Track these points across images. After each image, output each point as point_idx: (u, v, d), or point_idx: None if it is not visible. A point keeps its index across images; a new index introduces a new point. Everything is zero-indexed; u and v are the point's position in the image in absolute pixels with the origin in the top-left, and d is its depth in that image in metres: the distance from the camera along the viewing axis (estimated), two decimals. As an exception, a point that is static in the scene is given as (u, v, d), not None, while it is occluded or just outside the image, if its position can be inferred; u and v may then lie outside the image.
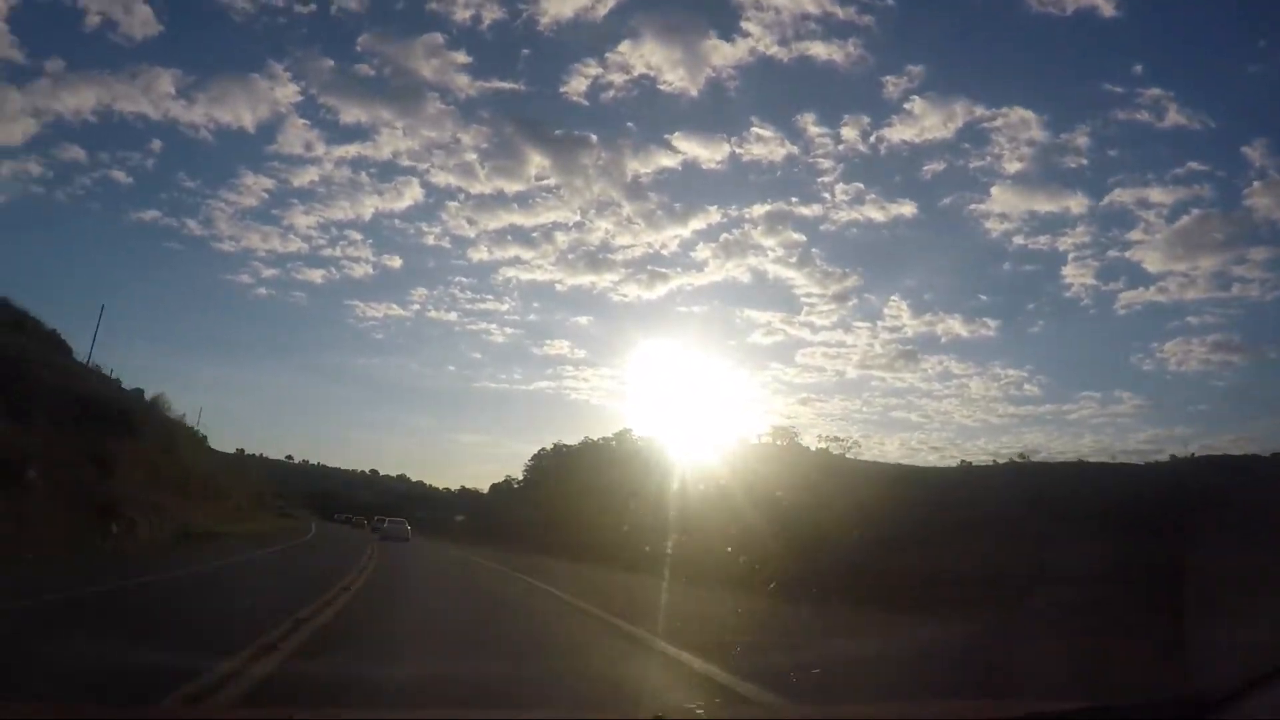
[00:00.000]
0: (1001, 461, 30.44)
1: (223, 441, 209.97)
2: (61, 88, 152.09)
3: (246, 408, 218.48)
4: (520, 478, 59.71)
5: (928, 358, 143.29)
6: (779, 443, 32.14)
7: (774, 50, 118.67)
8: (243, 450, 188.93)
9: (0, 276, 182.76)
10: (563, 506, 36.12)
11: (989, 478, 28.02)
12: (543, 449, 56.10)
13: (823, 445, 31.12)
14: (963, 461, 39.06)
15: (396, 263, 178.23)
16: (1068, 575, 11.55)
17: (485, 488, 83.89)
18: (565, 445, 53.26)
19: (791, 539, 18.67)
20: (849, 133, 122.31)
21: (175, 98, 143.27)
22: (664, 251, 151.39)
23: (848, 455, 29.18)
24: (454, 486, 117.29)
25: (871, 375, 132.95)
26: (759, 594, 15.51)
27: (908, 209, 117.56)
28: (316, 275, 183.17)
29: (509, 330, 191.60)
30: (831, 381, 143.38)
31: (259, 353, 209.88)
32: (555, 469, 48.17)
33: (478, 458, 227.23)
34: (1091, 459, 30.22)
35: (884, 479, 28.57)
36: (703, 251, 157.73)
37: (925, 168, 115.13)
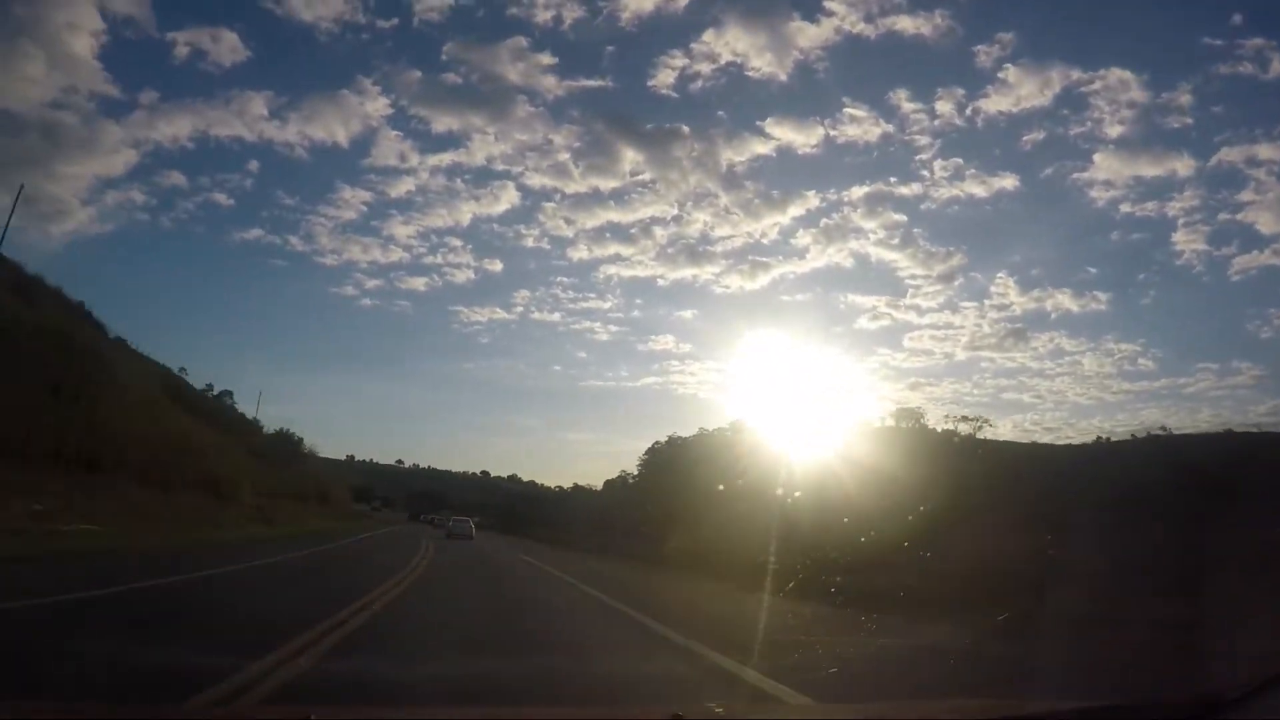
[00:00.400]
0: (1140, 435, 29.24)
1: (333, 448, 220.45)
2: (157, 118, 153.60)
3: (357, 415, 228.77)
4: (635, 472, 60.06)
5: (1038, 335, 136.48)
6: (904, 425, 31.39)
7: (860, 28, 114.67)
8: (352, 456, 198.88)
9: (114, 304, 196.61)
10: (679, 504, 35.06)
11: (1127, 453, 27.05)
12: (657, 442, 56.16)
13: (948, 426, 30.17)
14: (1098, 438, 37.51)
15: (497, 266, 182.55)
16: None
17: (599, 484, 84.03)
18: (680, 437, 53.06)
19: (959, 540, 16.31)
20: (943, 107, 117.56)
21: (268, 119, 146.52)
22: (764, 240, 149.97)
23: (978, 435, 28.18)
24: (566, 484, 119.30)
25: (981, 356, 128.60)
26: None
27: (1009, 182, 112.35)
28: (419, 283, 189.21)
29: (612, 328, 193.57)
30: (940, 365, 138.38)
31: (367, 362, 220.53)
32: (671, 463, 48.05)
33: (587, 455, 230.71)
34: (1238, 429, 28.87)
35: (1021, 458, 27.93)
36: (803, 238, 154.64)
37: (1024, 138, 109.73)
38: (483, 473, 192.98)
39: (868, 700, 5.31)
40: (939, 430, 30.10)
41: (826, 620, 12.38)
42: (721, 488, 28.69)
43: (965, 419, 29.63)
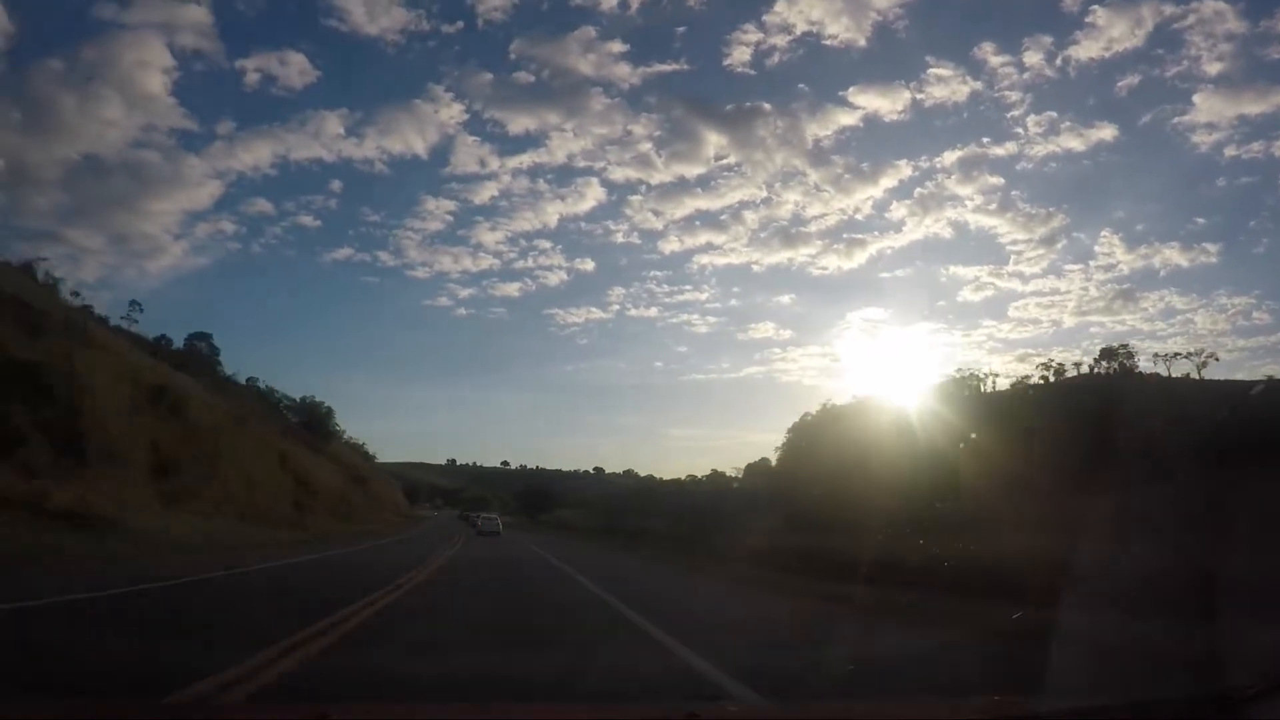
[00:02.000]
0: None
1: (435, 454, 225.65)
2: (236, 146, 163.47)
3: (458, 422, 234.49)
4: (776, 457, 57.71)
5: (1146, 295, 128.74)
6: (1108, 368, 28.85)
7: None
8: (454, 460, 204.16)
9: (215, 332, 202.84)
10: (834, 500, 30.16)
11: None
12: (808, 414, 53.28)
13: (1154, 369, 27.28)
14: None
15: (589, 266, 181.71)
16: None
17: (736, 471, 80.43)
18: (834, 405, 50.06)
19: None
20: (1032, 58, 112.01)
21: (345, 137, 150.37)
22: (858, 216, 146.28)
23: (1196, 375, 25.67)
24: (681, 476, 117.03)
25: (1089, 322, 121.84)
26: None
27: (1106, 132, 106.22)
28: (512, 289, 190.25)
29: (711, 319, 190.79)
30: (1048, 333, 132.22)
31: (466, 370, 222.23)
32: (815, 445, 45.84)
33: (695, 450, 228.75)
34: None
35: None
36: (898, 210, 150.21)
37: (1119, 84, 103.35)
38: (596, 469, 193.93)
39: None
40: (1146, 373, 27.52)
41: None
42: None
43: (1179, 354, 26.37)
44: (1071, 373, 58.27)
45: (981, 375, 45.42)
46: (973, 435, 29.16)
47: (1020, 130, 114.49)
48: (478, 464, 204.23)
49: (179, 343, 69.30)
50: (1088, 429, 21.44)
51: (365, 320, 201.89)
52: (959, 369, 47.05)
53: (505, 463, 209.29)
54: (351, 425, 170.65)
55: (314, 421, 79.99)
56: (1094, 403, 24.51)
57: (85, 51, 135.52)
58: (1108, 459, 18.93)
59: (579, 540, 46.09)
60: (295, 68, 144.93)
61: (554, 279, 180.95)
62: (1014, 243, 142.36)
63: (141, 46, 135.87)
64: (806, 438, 49.42)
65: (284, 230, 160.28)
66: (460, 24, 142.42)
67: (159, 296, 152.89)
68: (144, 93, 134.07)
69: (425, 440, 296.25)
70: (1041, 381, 51.91)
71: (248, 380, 76.83)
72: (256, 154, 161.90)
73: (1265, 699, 2.34)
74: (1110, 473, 17.77)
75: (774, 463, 59.08)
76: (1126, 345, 58.15)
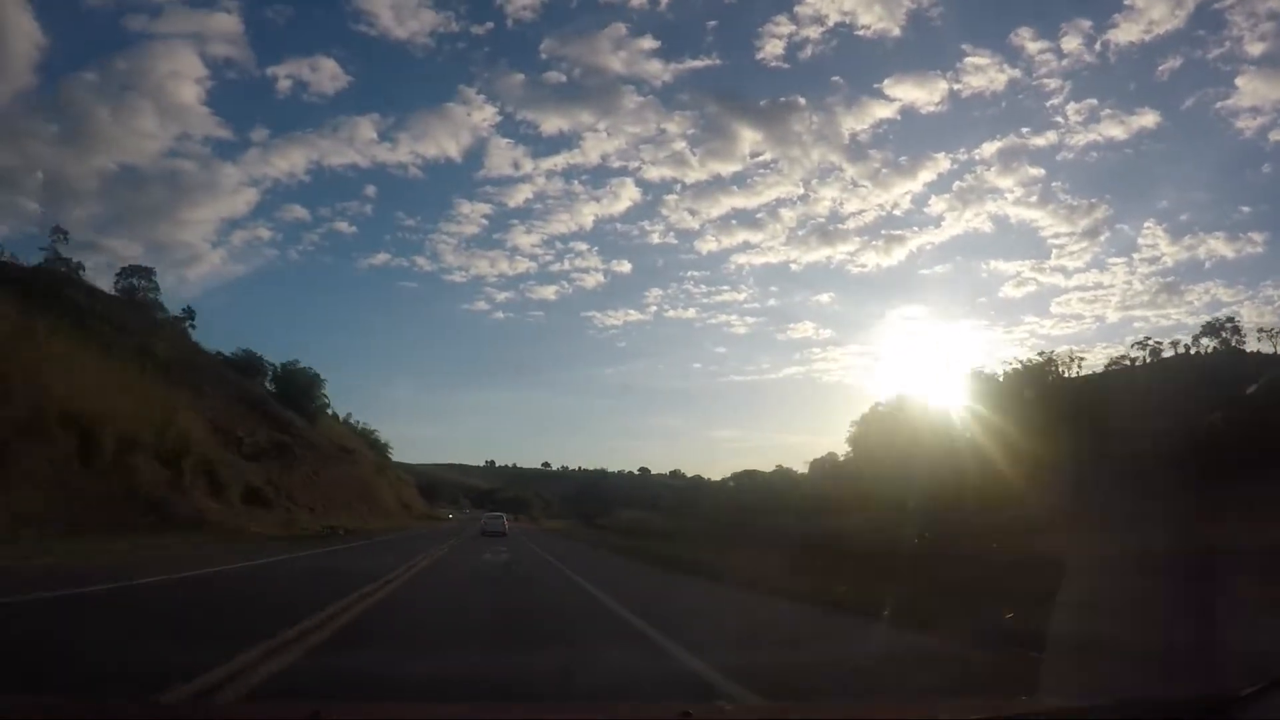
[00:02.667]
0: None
1: (473, 455, 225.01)
2: (271, 154, 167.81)
3: (498, 424, 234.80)
4: (844, 452, 56.80)
5: (1191, 287, 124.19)
6: (1209, 347, 27.15)
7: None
8: (492, 462, 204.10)
9: (255, 341, 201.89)
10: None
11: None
12: (877, 404, 51.65)
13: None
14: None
15: (626, 267, 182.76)
16: None
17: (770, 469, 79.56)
18: (880, 406, 49.05)
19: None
20: (1070, 43, 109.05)
21: (378, 142, 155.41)
22: (896, 212, 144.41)
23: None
24: (727, 475, 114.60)
25: (1133, 316, 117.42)
26: None
27: (1148, 119, 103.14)
28: (549, 292, 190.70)
29: (749, 319, 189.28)
30: (1091, 329, 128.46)
31: (505, 373, 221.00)
32: (884, 439, 44.90)
33: (739, 451, 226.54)
34: None
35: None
36: (937, 204, 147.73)
37: (1160, 67, 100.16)
38: (642, 470, 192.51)
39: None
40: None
41: None
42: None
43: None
44: (1168, 352, 55.86)
45: (1060, 358, 43.25)
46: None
47: (1060, 119, 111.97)
48: (517, 465, 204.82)
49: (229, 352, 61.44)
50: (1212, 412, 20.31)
51: (404, 325, 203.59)
52: (1040, 353, 44.45)
53: (546, 464, 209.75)
54: (389, 429, 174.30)
55: (294, 392, 64.04)
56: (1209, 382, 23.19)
57: (118, 63, 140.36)
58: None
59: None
60: (326, 74, 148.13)
61: (591, 281, 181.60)
62: (1055, 236, 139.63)
63: (174, 56, 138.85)
64: (875, 432, 48.69)
65: (320, 237, 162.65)
66: (490, 24, 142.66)
67: (199, 305, 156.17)
68: (178, 102, 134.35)
69: (464, 443, 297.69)
70: (1131, 363, 49.49)
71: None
72: (291, 160, 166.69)
73: (1262, 698, 2.31)
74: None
75: (841, 458, 58.56)
76: (1233, 319, 54.91)
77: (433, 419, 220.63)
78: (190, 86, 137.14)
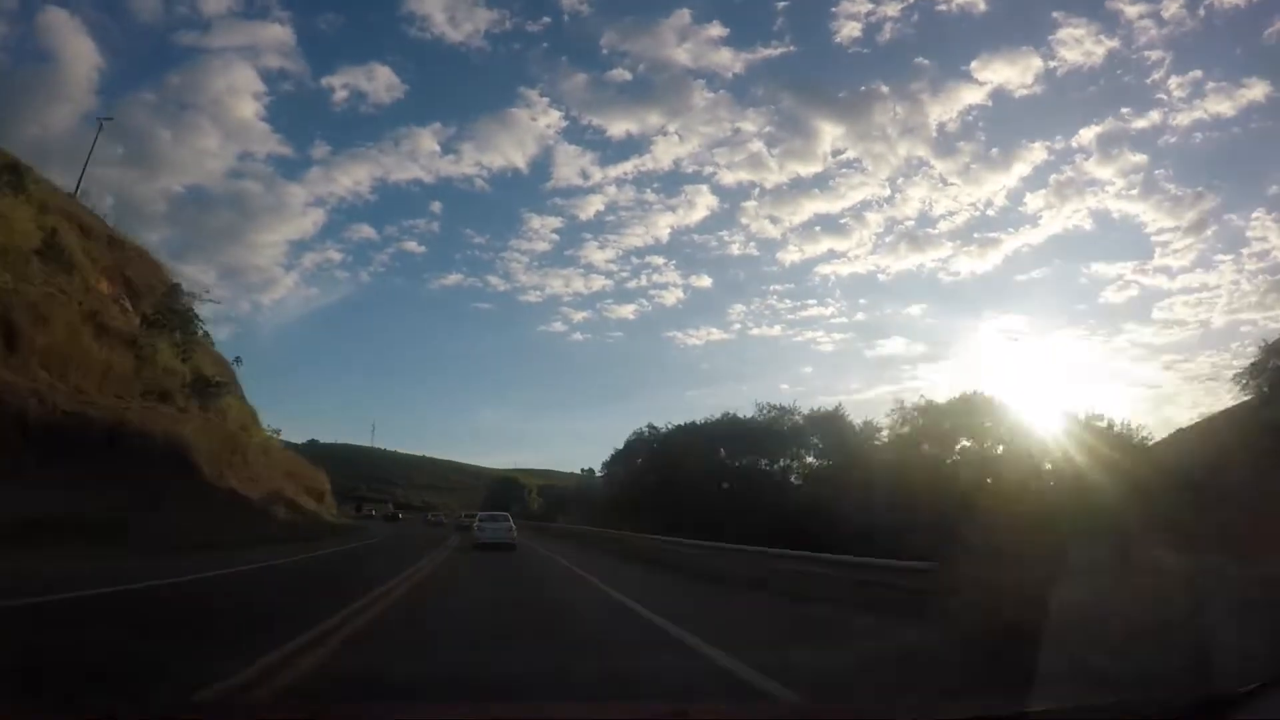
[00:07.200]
0: None
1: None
2: (333, 170, 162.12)
3: (587, 449, 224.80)
4: None
5: None
6: None
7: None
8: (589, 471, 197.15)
9: (330, 367, 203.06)
10: None
11: None
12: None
13: None
14: None
15: (706, 282, 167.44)
16: None
17: None
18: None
19: None
20: (1171, 6, 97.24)
21: (441, 155, 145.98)
22: (989, 211, 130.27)
23: None
24: None
25: (1240, 320, 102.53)
26: None
27: (1258, 90, 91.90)
28: (628, 310, 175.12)
29: (836, 335, 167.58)
30: (1194, 336, 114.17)
31: (585, 397, 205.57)
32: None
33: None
34: None
35: None
36: (1033, 201, 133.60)
37: (1269, 28, 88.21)
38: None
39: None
40: None
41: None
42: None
43: None
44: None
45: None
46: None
47: (1163, 95, 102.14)
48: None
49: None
50: None
51: (481, 347, 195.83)
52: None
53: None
54: (478, 456, 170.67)
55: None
56: None
57: (173, 80, 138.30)
58: None
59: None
60: (382, 82, 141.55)
61: (670, 298, 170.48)
62: (1159, 232, 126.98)
63: (228, 71, 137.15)
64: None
65: (389, 257, 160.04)
66: (546, 19, 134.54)
67: (274, 330, 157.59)
68: (237, 119, 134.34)
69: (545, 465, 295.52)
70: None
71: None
72: (354, 176, 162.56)
73: (1256, 699, 2.33)
74: None
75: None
76: None
77: (518, 444, 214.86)
78: (248, 102, 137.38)
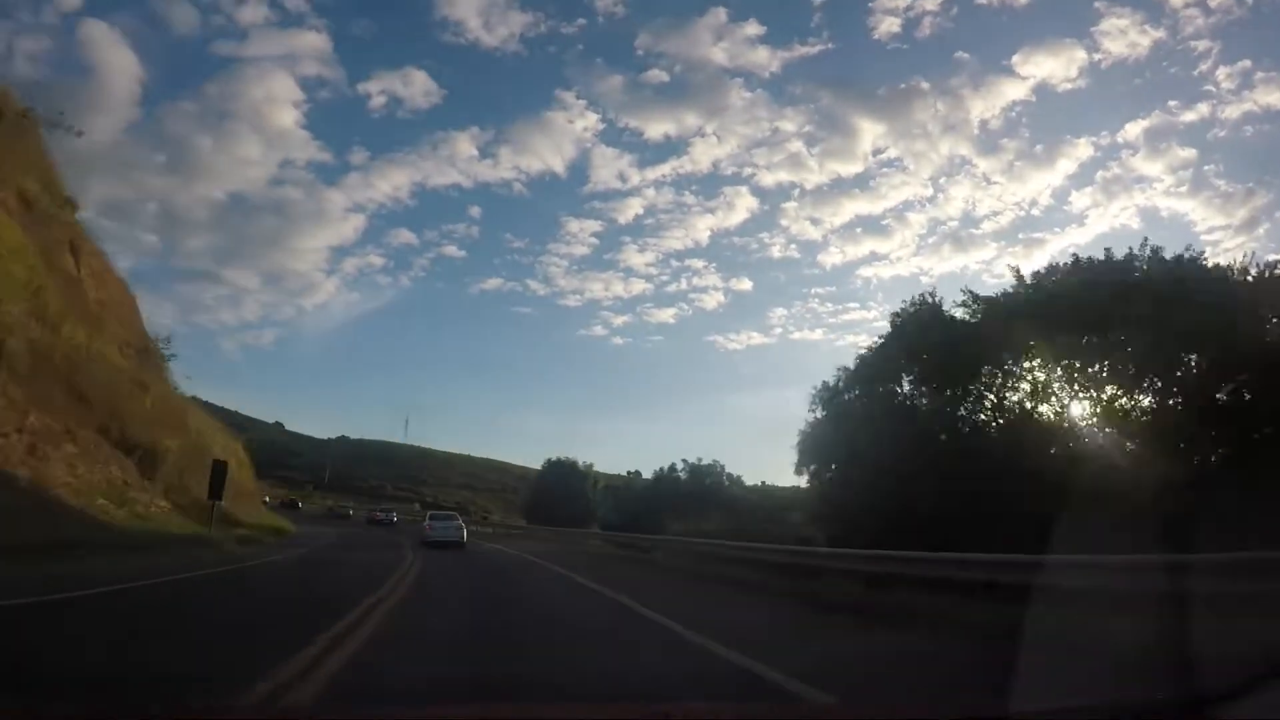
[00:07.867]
0: None
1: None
2: (372, 175, 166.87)
3: (628, 453, 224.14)
4: None
5: None
6: None
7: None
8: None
9: (375, 371, 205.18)
10: None
11: None
12: None
13: None
14: None
15: (746, 285, 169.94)
16: None
17: None
18: None
19: None
20: None
21: (479, 159, 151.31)
22: (1034, 211, 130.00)
23: None
24: None
25: None
26: None
27: None
28: (668, 314, 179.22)
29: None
30: None
31: (625, 401, 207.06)
32: None
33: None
34: None
35: None
36: (1079, 199, 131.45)
37: None
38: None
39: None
40: None
41: None
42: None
43: None
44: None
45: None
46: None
47: (1211, 87, 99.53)
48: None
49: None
50: None
51: (523, 352, 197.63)
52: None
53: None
54: (520, 457, 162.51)
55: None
56: None
57: (211, 89, 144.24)
58: None
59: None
60: (419, 87, 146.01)
61: (711, 301, 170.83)
62: (1209, 231, 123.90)
63: (266, 79, 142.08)
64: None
65: (429, 261, 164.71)
66: (581, 21, 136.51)
67: (317, 335, 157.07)
68: (276, 127, 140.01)
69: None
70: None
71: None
72: (393, 182, 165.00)
73: (1239, 697, 2.30)
74: None
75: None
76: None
77: (559, 447, 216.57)
78: (287, 110, 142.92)
